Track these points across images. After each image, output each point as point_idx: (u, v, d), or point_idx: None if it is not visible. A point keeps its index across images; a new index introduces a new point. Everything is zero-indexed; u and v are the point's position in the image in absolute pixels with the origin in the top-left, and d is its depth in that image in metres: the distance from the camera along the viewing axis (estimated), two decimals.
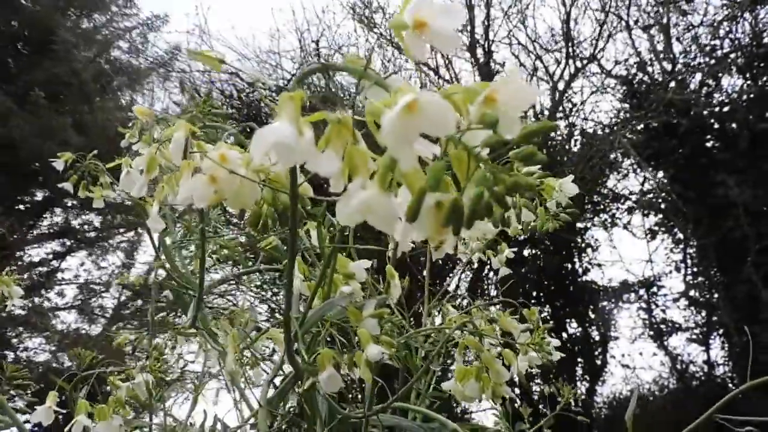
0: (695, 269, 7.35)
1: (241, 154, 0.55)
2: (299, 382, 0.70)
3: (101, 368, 0.94)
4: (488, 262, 1.49)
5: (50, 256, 11.33)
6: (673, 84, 7.08)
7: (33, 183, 10.73)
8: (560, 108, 7.53)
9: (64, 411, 0.91)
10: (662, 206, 7.29)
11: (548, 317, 7.77)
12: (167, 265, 0.88)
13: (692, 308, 7.38)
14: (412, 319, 1.18)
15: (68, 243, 11.47)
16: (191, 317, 0.76)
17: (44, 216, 11.32)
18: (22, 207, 10.72)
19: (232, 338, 0.76)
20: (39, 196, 11.07)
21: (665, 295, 7.55)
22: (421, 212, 0.36)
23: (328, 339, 0.79)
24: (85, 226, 11.31)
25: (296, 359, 0.65)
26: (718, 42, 7.08)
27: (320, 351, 0.73)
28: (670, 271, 7.47)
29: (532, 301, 7.77)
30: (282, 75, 7.19)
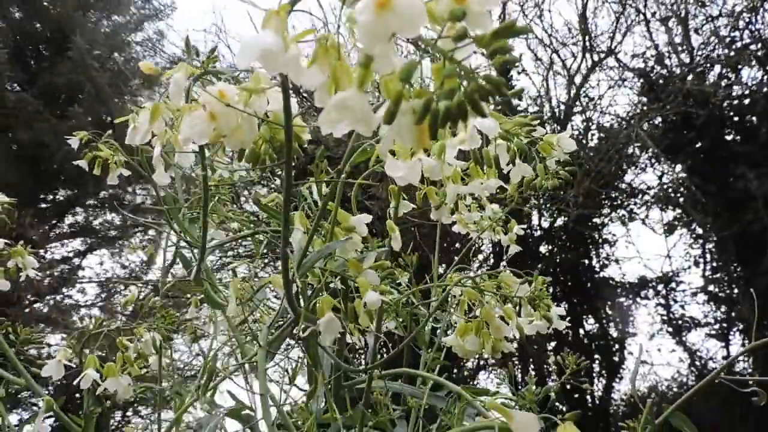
0: (714, 264, 7.25)
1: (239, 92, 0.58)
2: (298, 326, 0.72)
3: (110, 327, 0.97)
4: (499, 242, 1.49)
5: (71, 254, 11.51)
6: (691, 77, 7.00)
7: (55, 183, 10.92)
8: (577, 102, 7.48)
9: (74, 366, 0.94)
10: (681, 200, 7.21)
11: (565, 313, 7.71)
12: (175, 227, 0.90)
13: (711, 303, 7.29)
14: (420, 294, 1.20)
15: (89, 241, 11.65)
16: (196, 269, 0.79)
17: (66, 215, 11.52)
18: (44, 206, 10.90)
19: (234, 284, 0.78)
20: (61, 195, 11.28)
21: (684, 290, 7.47)
22: (399, 117, 0.38)
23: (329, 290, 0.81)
24: (106, 225, 11.47)
25: (294, 300, 0.67)
26: (737, 33, 6.99)
27: (320, 298, 0.75)
28: (689, 267, 7.39)
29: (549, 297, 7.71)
30: None
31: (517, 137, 0.68)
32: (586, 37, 7.26)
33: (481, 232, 1.54)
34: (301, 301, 0.78)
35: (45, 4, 11.18)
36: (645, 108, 6.91)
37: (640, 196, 7.58)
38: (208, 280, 0.82)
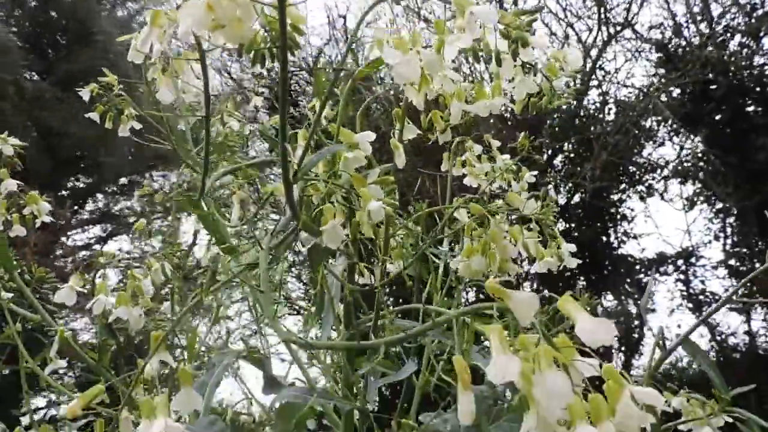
0: (735, 238, 7.15)
1: None
2: (299, 232, 0.72)
3: (120, 261, 0.98)
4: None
5: (93, 240, 11.67)
6: (711, 48, 6.86)
7: (76, 170, 11.08)
8: (593, 76, 7.38)
9: (85, 291, 0.96)
10: (700, 174, 7.10)
11: (583, 289, 7.68)
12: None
13: (732, 278, 7.19)
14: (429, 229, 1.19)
15: (109, 228, 11.81)
16: (201, 189, 0.79)
17: (86, 202, 11.68)
18: (65, 193, 11.06)
19: (237, 195, 0.79)
20: (81, 182, 11.44)
21: (704, 265, 7.38)
22: None
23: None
24: (126, 211, 11.62)
25: (293, 199, 0.67)
26: (758, 0, 6.82)
27: (323, 206, 0.75)
28: (709, 241, 7.29)
29: (566, 274, 7.68)
30: (310, 51, 7.22)
31: (517, 29, 0.67)
32: (602, 10, 7.15)
33: (490, 182, 1.54)
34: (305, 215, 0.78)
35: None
36: (663, 79, 6.80)
37: (658, 170, 7.48)
38: (211, 204, 0.82)
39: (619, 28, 7.39)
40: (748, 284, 7.18)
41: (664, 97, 6.68)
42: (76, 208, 11.13)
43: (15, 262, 1.11)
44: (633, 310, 7.72)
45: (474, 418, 0.51)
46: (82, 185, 11.52)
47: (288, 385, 1.25)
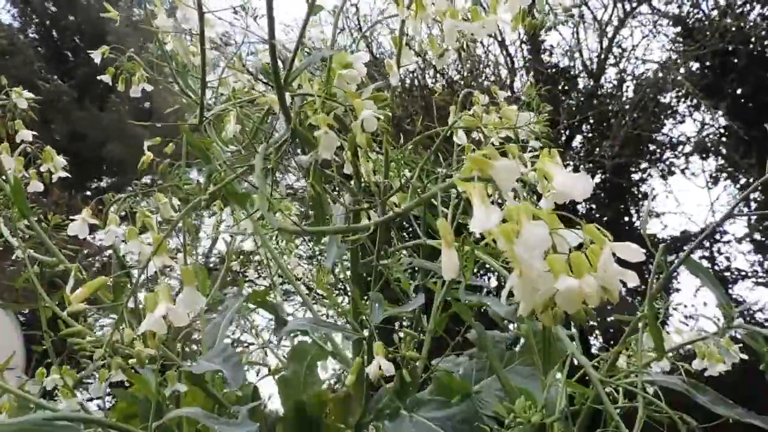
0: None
1: None
2: (296, 142, 0.74)
3: (132, 189, 1.02)
4: None
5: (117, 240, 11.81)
6: (729, 20, 6.72)
7: (98, 170, 11.27)
8: (610, 54, 7.29)
9: (97, 222, 0.99)
10: (722, 149, 6.98)
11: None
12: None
13: (758, 253, 7.06)
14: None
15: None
16: (199, 110, 0.81)
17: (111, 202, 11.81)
18: (88, 193, 11.26)
19: (233, 114, 0.80)
20: (105, 183, 11.63)
21: (728, 241, 7.25)
22: None
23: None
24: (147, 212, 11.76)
25: (288, 109, 0.69)
26: None
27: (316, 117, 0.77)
28: (734, 217, 7.15)
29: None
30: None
31: None
32: None
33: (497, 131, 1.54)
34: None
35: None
36: (681, 53, 6.68)
37: (679, 147, 7.37)
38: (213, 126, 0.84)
39: (635, 5, 7.28)
40: None
41: (683, 71, 6.57)
42: (100, 208, 11.33)
43: (32, 209, 1.15)
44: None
45: (457, 272, 0.53)
46: (104, 185, 11.70)
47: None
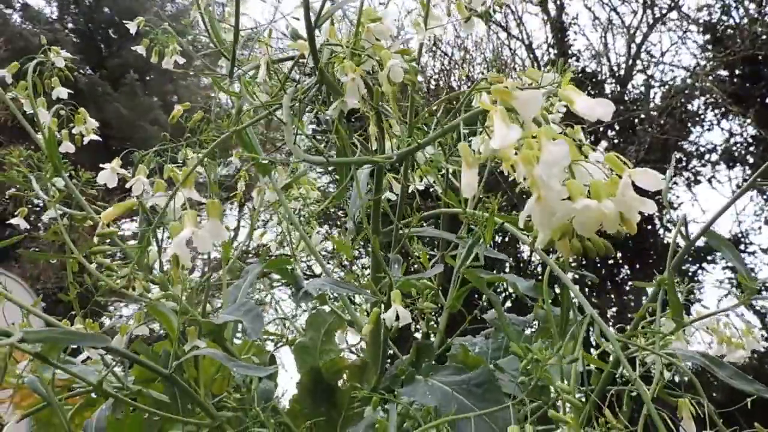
0: None
1: None
2: (323, 93, 0.76)
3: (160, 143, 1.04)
4: None
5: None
6: (760, 28, 6.62)
7: (127, 162, 11.44)
8: (638, 60, 7.22)
9: (126, 171, 1.01)
10: (750, 159, 6.86)
11: (627, 278, 7.52)
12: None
13: None
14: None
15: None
16: (231, 66, 0.84)
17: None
18: (115, 185, 11.38)
19: (264, 58, 0.82)
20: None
21: (753, 252, 7.12)
22: None
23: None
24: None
25: (317, 51, 0.71)
26: None
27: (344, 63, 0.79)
28: (760, 228, 7.03)
29: (609, 262, 7.53)
30: None
31: None
32: None
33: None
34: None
35: None
36: (710, 61, 6.59)
37: (706, 156, 7.26)
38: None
39: (664, 11, 7.21)
40: None
41: (712, 79, 6.48)
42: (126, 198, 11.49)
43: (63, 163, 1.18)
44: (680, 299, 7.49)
45: (475, 191, 0.54)
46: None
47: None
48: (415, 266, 1.31)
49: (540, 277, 1.07)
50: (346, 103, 0.79)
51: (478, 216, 1.02)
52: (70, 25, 12.29)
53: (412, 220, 1.16)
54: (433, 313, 1.29)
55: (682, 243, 1.02)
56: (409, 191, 1.35)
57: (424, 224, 1.18)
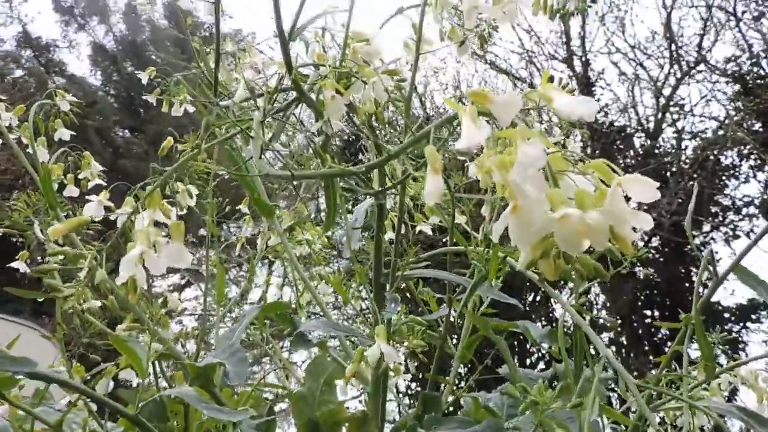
0: None
1: None
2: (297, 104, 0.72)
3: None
4: None
5: (171, 289, 12.17)
6: None
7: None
8: (667, 114, 7.15)
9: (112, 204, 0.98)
10: None
11: (666, 338, 7.20)
12: None
13: None
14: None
15: (186, 276, 12.32)
16: (214, 85, 0.81)
17: None
18: None
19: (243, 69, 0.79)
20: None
21: None
22: None
23: None
24: (200, 261, 12.10)
25: (291, 61, 0.67)
26: None
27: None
28: None
29: (647, 320, 7.24)
30: None
31: None
32: (673, 46, 6.98)
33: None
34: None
35: (153, 57, 12.28)
36: (740, 110, 6.47)
37: (743, 210, 7.02)
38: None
39: (692, 65, 7.17)
40: None
41: (744, 128, 6.34)
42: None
43: (60, 202, 1.16)
44: (723, 361, 7.13)
45: (439, 198, 0.48)
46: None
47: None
48: (420, 309, 1.23)
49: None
50: (330, 125, 0.75)
51: (482, 253, 0.95)
52: (112, 91, 12.90)
53: (408, 255, 1.10)
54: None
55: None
56: (417, 231, 1.30)
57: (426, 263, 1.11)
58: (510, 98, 0.52)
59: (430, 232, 1.23)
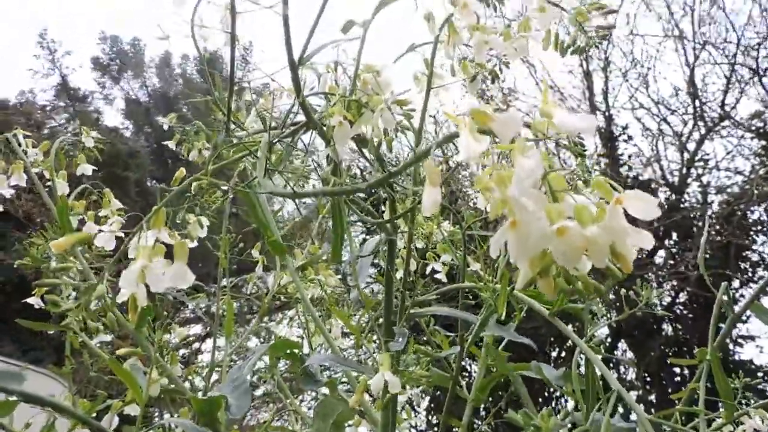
0: None
1: None
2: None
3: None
4: None
5: (192, 339, 12.14)
6: None
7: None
8: (692, 168, 7.09)
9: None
10: None
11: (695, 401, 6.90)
12: None
13: None
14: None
15: (208, 327, 12.32)
16: (227, 118, 0.82)
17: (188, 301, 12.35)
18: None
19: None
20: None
21: None
22: None
23: None
24: (223, 311, 12.12)
25: (300, 85, 0.68)
26: None
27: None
28: None
29: (676, 378, 6.98)
30: None
31: None
32: (696, 102, 6.99)
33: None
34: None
35: (184, 109, 12.70)
36: (766, 165, 6.39)
37: None
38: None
39: (716, 121, 7.15)
40: None
41: None
42: (180, 306, 11.76)
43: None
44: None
45: (436, 209, 0.47)
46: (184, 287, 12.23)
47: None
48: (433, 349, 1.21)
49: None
50: (338, 152, 0.76)
51: (491, 288, 0.94)
52: (143, 143, 13.29)
53: (416, 290, 1.09)
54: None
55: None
56: (428, 270, 1.29)
57: (438, 301, 1.09)
58: (511, 116, 0.52)
59: (442, 270, 1.22)
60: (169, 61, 14.05)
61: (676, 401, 1.02)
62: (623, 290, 1.17)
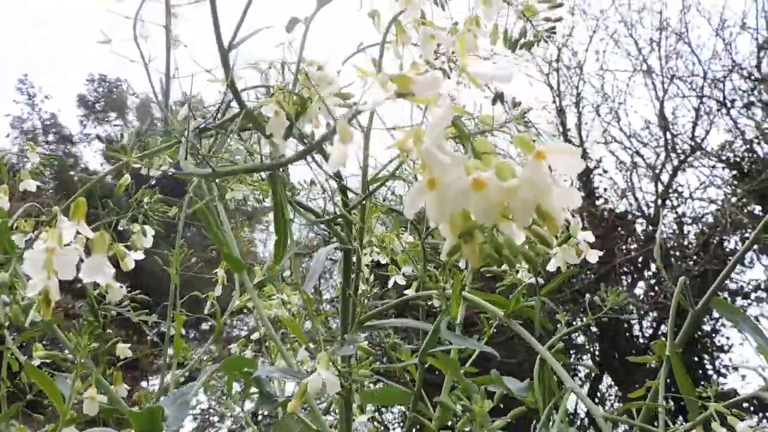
0: None
1: None
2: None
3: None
4: None
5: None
6: None
7: (163, 315, 11.59)
8: (666, 200, 7.18)
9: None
10: None
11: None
12: None
13: None
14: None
15: (188, 374, 12.02)
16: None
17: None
18: (149, 337, 11.44)
19: None
20: (163, 327, 11.88)
21: None
22: None
23: None
24: (205, 357, 11.87)
25: (237, 86, 0.66)
26: None
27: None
28: None
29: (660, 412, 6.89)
30: None
31: None
32: (668, 134, 7.13)
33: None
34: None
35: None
36: (738, 194, 6.49)
37: (752, 294, 6.88)
38: None
39: (687, 154, 7.28)
40: None
41: (745, 213, 6.34)
42: (156, 352, 11.48)
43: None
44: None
45: (342, 163, 0.45)
46: (164, 329, 11.95)
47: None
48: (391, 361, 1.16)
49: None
50: (278, 147, 0.73)
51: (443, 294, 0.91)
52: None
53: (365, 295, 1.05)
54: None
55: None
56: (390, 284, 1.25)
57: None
58: (431, 77, 0.49)
59: (403, 282, 1.18)
60: (148, 104, 14.05)
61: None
62: (588, 295, 1.14)
